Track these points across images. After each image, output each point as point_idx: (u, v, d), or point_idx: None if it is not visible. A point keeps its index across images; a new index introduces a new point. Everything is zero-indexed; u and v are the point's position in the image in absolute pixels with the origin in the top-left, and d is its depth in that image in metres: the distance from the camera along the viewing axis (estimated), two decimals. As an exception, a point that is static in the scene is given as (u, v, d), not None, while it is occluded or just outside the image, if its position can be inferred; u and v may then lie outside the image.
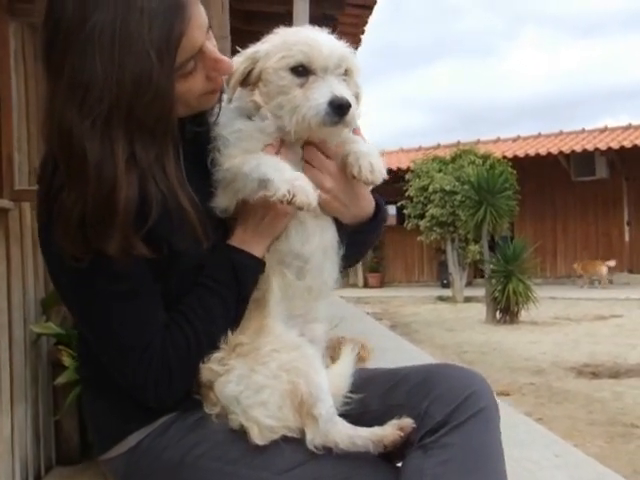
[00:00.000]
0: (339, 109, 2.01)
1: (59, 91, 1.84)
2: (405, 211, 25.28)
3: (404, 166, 27.90)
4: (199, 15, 1.95)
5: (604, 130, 30.65)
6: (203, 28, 1.97)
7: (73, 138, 1.81)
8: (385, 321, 17.47)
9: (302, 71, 2.06)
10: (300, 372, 2.00)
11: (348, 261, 2.30)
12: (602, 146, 28.14)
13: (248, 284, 2.10)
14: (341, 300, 23.12)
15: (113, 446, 2.12)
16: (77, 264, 1.87)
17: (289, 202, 1.91)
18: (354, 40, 10.20)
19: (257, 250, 2.11)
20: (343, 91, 2.04)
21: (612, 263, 26.77)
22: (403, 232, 27.24)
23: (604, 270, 26.90)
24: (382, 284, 32.49)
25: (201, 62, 1.99)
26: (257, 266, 2.11)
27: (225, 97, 2.16)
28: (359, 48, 10.84)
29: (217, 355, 2.04)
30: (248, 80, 2.12)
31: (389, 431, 1.97)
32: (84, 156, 1.80)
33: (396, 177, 24.84)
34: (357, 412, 2.07)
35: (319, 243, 2.17)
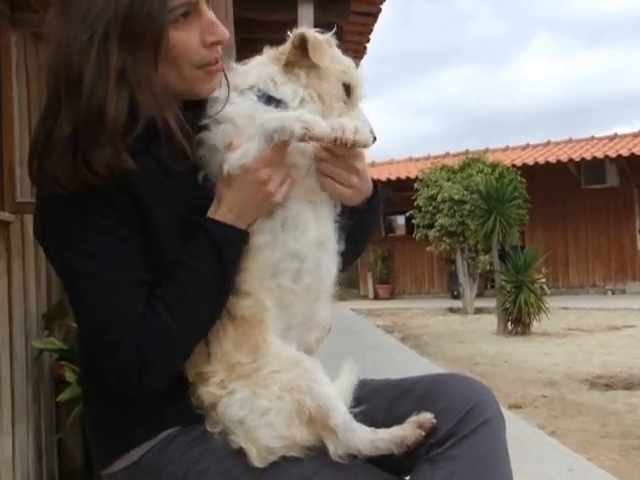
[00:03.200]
0: (373, 140, 2.14)
1: (64, 12, 1.98)
2: (414, 221, 25.21)
3: (412, 175, 27.89)
4: None
5: (614, 137, 30.56)
6: None
7: (73, 51, 1.93)
8: (396, 333, 17.46)
9: (347, 92, 2.22)
10: (303, 389, 1.98)
11: (352, 251, 2.32)
12: (612, 153, 28.03)
13: (232, 259, 2.06)
14: (352, 313, 23.14)
15: (114, 460, 2.10)
16: (67, 193, 1.92)
17: (310, 137, 1.97)
18: (359, 48, 10.21)
19: (240, 224, 2.07)
20: None
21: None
22: (412, 242, 27.22)
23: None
24: (392, 295, 32.43)
25: (196, 19, 2.07)
26: (240, 238, 2.07)
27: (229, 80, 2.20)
28: (364, 57, 10.87)
29: (216, 378, 2.03)
30: (301, 60, 2.17)
31: (409, 430, 1.97)
32: (81, 69, 1.92)
33: (405, 186, 24.83)
34: (364, 424, 2.04)
35: (314, 235, 2.14)
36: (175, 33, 2.02)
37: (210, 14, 2.09)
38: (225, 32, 2.12)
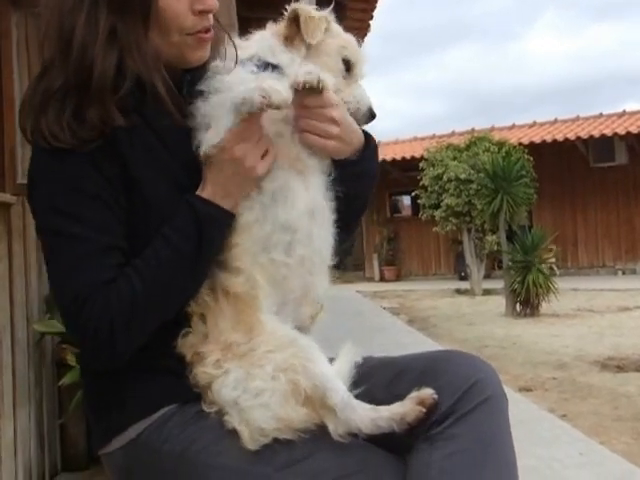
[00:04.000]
0: (371, 117, 2.31)
1: None
2: (420, 201, 25.19)
3: (418, 155, 27.85)
4: None
5: (623, 114, 30.47)
6: None
7: (64, 13, 2.02)
8: (402, 316, 17.44)
9: (348, 68, 2.26)
10: (297, 369, 1.99)
11: (352, 211, 2.32)
12: (621, 130, 27.94)
13: (213, 238, 2.06)
14: (357, 295, 23.17)
15: (112, 439, 2.12)
16: (54, 149, 1.98)
17: (268, 105, 1.94)
18: (362, 26, 10.20)
19: (225, 204, 2.07)
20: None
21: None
22: (418, 223, 27.23)
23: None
24: (398, 277, 32.46)
25: None
26: (224, 218, 2.08)
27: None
28: (368, 34, 10.85)
29: (212, 358, 2.04)
30: (299, 35, 2.21)
31: (409, 407, 1.96)
32: (72, 29, 2.00)
33: (410, 166, 24.79)
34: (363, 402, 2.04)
35: (305, 206, 2.14)
36: None
37: None
38: (215, 1, 2.14)
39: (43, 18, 2.11)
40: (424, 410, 1.95)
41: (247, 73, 2.11)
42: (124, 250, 2.05)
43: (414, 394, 1.97)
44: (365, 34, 10.77)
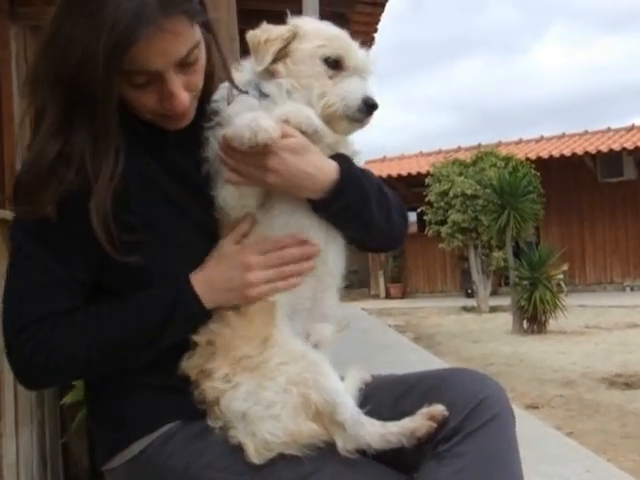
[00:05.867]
0: (370, 107, 2.18)
1: (44, 40, 2.07)
2: (426, 217, 25.15)
3: (424, 170, 27.85)
4: (163, 43, 1.98)
5: (631, 129, 30.43)
6: (167, 58, 2.00)
7: (30, 83, 2.10)
8: (408, 333, 17.43)
9: (334, 65, 2.21)
10: (309, 383, 2.01)
11: (358, 246, 2.37)
12: (629, 145, 27.90)
13: (177, 324, 2.08)
14: (363, 312, 23.12)
15: (116, 454, 2.14)
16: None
17: (256, 143, 1.99)
18: (367, 39, 10.21)
19: (206, 300, 2.10)
20: (373, 93, 2.22)
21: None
22: (424, 239, 27.14)
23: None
24: (404, 294, 32.41)
25: (158, 86, 2.05)
26: (198, 312, 2.10)
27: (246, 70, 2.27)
28: (372, 47, 10.87)
29: (220, 372, 2.06)
30: (279, 52, 2.21)
31: (419, 422, 1.98)
32: (33, 103, 2.08)
33: (416, 182, 24.78)
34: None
35: (319, 226, 2.21)
36: (129, 92, 2.05)
37: (174, 84, 2.05)
38: (184, 104, 2.09)
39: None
40: (435, 425, 1.97)
41: (250, 101, 2.17)
42: (87, 284, 2.09)
43: (425, 409, 1.99)
44: (369, 47, 10.76)
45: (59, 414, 5.42)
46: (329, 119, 2.17)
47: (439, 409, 1.97)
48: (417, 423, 1.97)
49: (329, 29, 2.27)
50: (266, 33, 2.19)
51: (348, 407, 1.99)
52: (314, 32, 2.23)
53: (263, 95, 2.19)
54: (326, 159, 2.16)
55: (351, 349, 12.29)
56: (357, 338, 14.85)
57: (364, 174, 2.25)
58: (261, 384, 2.03)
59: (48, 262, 2.02)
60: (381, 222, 2.29)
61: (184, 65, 2.05)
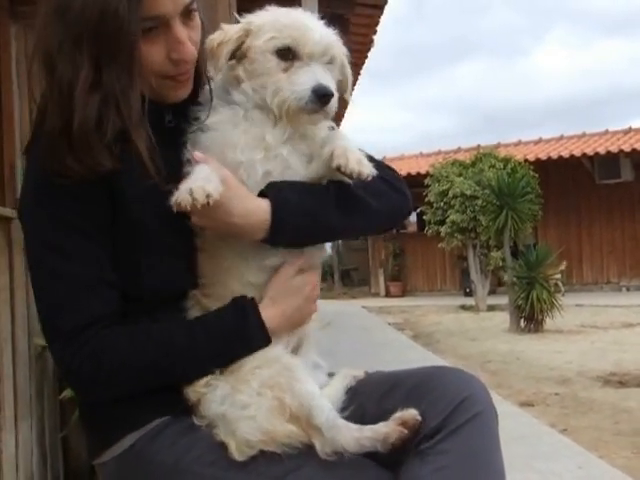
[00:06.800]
0: (322, 97, 2.09)
1: (50, 7, 2.02)
2: (425, 217, 25.17)
3: (423, 171, 27.85)
4: None
5: (628, 131, 30.38)
6: (176, 2, 2.06)
7: (47, 52, 2.02)
8: (407, 331, 17.46)
9: (288, 55, 2.13)
10: (283, 386, 2.01)
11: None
12: (627, 147, 27.86)
13: (236, 355, 2.10)
14: (363, 310, 23.14)
15: (106, 449, 2.15)
16: (62, 180, 1.99)
17: (194, 207, 1.93)
18: (365, 41, 10.22)
19: (277, 331, 2.14)
20: (327, 80, 2.13)
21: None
22: (424, 239, 27.16)
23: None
24: (404, 293, 32.41)
25: (164, 35, 2.08)
26: (262, 345, 2.12)
27: (212, 85, 2.22)
28: (371, 49, 10.87)
29: (203, 378, 2.08)
30: (235, 53, 2.18)
31: (392, 428, 1.97)
32: (52, 70, 2.01)
33: (416, 182, 24.77)
34: (354, 416, 2.06)
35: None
36: (141, 44, 2.04)
37: (180, 31, 2.09)
38: (192, 51, 2.13)
39: (30, 55, 2.11)
40: (406, 432, 1.96)
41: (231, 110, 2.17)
42: (111, 281, 2.09)
43: (398, 414, 1.98)
44: (369, 49, 10.78)
45: (58, 408, 5.42)
46: (288, 116, 2.13)
47: (412, 414, 1.97)
48: (389, 429, 1.97)
49: (282, 18, 2.18)
50: (221, 36, 2.16)
51: (324, 411, 1.99)
52: (266, 25, 2.16)
53: (233, 103, 2.19)
54: (254, 201, 2.10)
55: (350, 347, 12.35)
56: (356, 336, 14.89)
57: (304, 189, 2.16)
58: (235, 387, 2.03)
59: (74, 268, 2.04)
60: (357, 217, 2.25)
61: (187, 14, 2.11)
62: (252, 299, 2.13)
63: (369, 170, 2.08)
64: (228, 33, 2.16)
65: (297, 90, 2.09)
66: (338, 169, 2.07)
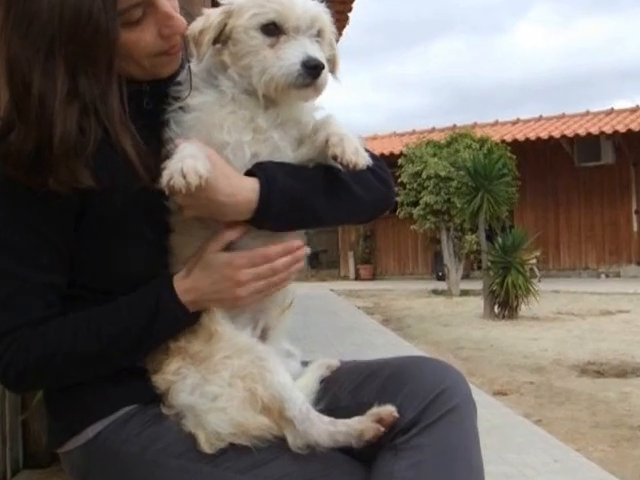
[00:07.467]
0: (313, 70, 2.03)
1: (10, 21, 1.94)
2: (397, 198, 25.18)
3: (397, 151, 27.89)
4: None
5: (610, 112, 30.57)
6: None
7: (17, 67, 1.92)
8: (377, 315, 17.55)
9: (273, 30, 2.08)
10: (255, 377, 1.99)
11: None
12: (608, 129, 28.00)
13: (161, 333, 2.07)
14: (331, 294, 23.22)
15: (71, 438, 2.14)
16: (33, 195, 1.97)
17: (188, 188, 1.88)
18: (341, 18, 10.25)
19: (192, 307, 2.07)
20: (317, 52, 2.07)
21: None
22: (396, 221, 27.22)
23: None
24: (374, 276, 32.56)
25: (152, 15, 2.05)
26: (184, 321, 2.08)
27: (193, 63, 2.18)
28: (346, 26, 10.91)
29: (172, 366, 2.05)
30: (219, 38, 2.14)
31: (367, 424, 1.95)
32: (27, 86, 1.91)
33: (389, 162, 24.77)
34: (328, 408, 2.04)
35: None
36: (130, 34, 2.02)
37: (166, 5, 2.06)
38: (182, 23, 2.10)
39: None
40: (382, 429, 1.94)
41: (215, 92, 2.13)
42: (60, 287, 2.09)
43: (374, 410, 1.97)
44: (344, 26, 10.85)
45: (20, 391, 5.37)
46: (277, 94, 2.08)
47: (388, 411, 1.95)
48: (365, 425, 1.96)
49: None
50: (202, 22, 2.11)
51: (297, 403, 1.97)
52: (248, 2, 2.10)
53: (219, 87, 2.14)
54: (241, 180, 2.05)
55: (318, 331, 12.37)
56: (324, 320, 14.93)
57: (293, 172, 2.13)
58: (205, 377, 2.02)
59: (20, 269, 2.03)
60: (343, 206, 2.22)
61: None
62: (171, 275, 2.10)
63: (365, 160, 2.06)
64: (209, 18, 2.10)
65: (285, 65, 2.03)
66: (334, 158, 2.04)
